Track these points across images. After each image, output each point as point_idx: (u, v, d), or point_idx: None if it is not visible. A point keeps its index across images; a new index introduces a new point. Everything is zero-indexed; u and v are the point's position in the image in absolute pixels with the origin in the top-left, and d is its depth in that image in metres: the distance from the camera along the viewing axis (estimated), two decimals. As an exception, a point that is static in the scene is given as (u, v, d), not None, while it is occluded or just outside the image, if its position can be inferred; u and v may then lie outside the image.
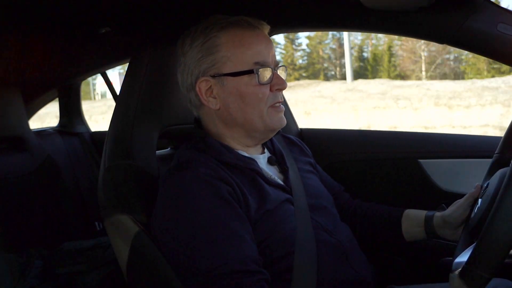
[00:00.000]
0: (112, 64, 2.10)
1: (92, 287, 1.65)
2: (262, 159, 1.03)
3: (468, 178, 1.31)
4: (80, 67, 2.15)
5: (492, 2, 0.97)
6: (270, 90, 0.96)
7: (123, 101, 1.10)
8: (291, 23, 1.35)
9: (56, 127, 2.53)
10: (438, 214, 1.07)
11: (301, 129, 1.73)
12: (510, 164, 0.74)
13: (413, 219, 1.11)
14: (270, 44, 0.98)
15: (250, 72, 0.93)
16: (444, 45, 1.09)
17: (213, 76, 0.95)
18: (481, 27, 0.98)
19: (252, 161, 0.98)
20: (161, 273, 0.92)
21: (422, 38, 1.13)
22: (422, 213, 1.11)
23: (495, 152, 0.96)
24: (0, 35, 1.50)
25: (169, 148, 1.33)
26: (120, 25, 1.38)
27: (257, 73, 0.93)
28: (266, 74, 0.95)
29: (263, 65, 0.94)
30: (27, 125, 2.00)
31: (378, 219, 1.16)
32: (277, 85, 0.97)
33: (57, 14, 1.26)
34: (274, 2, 1.20)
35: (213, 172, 0.89)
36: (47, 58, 1.94)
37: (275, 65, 0.98)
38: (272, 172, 1.02)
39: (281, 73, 1.00)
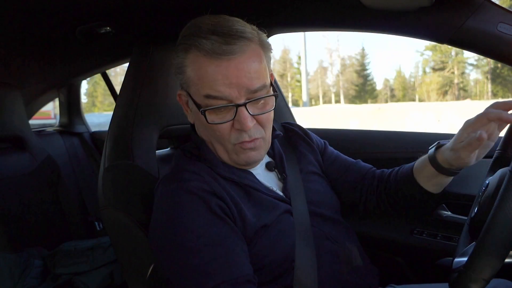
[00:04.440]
0: (112, 64, 2.09)
1: (92, 287, 1.65)
2: (259, 169, 0.99)
3: (468, 178, 1.31)
4: (80, 67, 2.15)
5: (492, 2, 0.97)
6: (233, 126, 0.85)
7: (123, 101, 1.10)
8: (290, 23, 1.35)
9: (56, 127, 2.53)
10: (442, 150, 0.95)
11: (301, 129, 1.73)
12: (510, 165, 0.74)
13: (422, 172, 0.99)
14: (237, 75, 0.81)
15: (200, 109, 0.85)
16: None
17: (187, 93, 0.89)
18: (481, 27, 0.98)
19: (246, 174, 0.93)
20: (160, 272, 0.92)
21: (422, 38, 1.13)
22: (424, 162, 0.98)
23: (497, 149, 0.96)
24: (0, 35, 1.50)
25: (169, 148, 1.33)
26: (121, 25, 1.38)
27: (204, 115, 0.84)
28: (221, 111, 0.84)
29: (216, 98, 0.82)
30: (27, 125, 2.00)
31: (399, 181, 1.05)
32: (237, 124, 0.84)
33: (57, 14, 1.26)
34: (274, 1, 1.19)
35: (206, 186, 0.85)
36: (47, 58, 1.94)
37: (249, 96, 0.83)
38: (270, 180, 0.98)
39: (257, 105, 0.86)
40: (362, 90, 42.67)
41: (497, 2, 0.99)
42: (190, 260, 0.79)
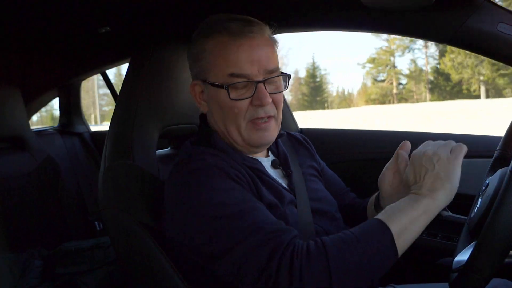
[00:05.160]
0: (112, 64, 2.10)
1: (92, 287, 1.65)
2: (266, 162, 1.03)
3: (468, 177, 1.30)
4: (80, 67, 2.15)
5: (492, 2, 0.97)
6: (251, 103, 0.93)
7: (123, 101, 1.10)
8: (291, 23, 1.35)
9: (56, 127, 2.53)
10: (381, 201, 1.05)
11: (301, 129, 1.73)
12: (510, 165, 0.74)
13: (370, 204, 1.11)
14: (257, 53, 0.91)
15: (223, 86, 0.91)
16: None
17: (203, 81, 0.96)
18: (481, 27, 0.98)
19: (256, 161, 0.98)
20: (160, 271, 0.92)
21: (422, 38, 1.13)
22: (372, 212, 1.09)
23: (497, 149, 0.96)
24: (1, 36, 1.50)
25: (169, 148, 1.33)
26: (120, 25, 1.38)
27: (227, 89, 0.91)
28: (241, 89, 0.92)
29: (240, 76, 0.90)
30: (27, 125, 2.00)
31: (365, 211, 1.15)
32: (257, 100, 0.92)
33: (57, 14, 1.26)
34: (275, 2, 1.20)
35: (223, 162, 0.90)
36: (47, 58, 1.94)
37: (267, 74, 0.93)
38: (276, 176, 1.02)
39: (271, 85, 0.95)
40: (313, 101, 45.33)
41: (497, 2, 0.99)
42: (228, 216, 0.81)
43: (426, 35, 1.11)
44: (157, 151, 1.13)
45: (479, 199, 0.90)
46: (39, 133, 2.29)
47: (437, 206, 0.81)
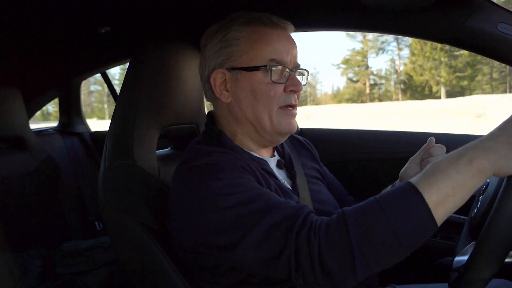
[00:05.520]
0: (112, 64, 2.10)
1: (92, 287, 1.65)
2: (272, 162, 1.03)
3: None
4: (80, 67, 2.15)
5: (492, 2, 0.97)
6: (284, 90, 0.95)
7: (123, 101, 1.09)
8: (292, 24, 1.35)
9: (56, 127, 2.53)
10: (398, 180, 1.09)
11: (301, 129, 1.74)
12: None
13: None
14: (291, 45, 0.97)
15: (263, 68, 0.93)
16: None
17: (229, 69, 0.95)
18: (481, 27, 0.98)
19: (264, 162, 0.98)
20: (160, 271, 0.92)
21: (422, 38, 1.13)
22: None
23: None
24: (1, 36, 1.51)
25: (169, 148, 1.33)
26: (120, 25, 1.38)
27: (270, 70, 0.93)
28: (281, 73, 0.94)
29: (279, 63, 0.94)
30: (27, 125, 2.00)
31: None
32: (292, 86, 0.95)
33: (57, 14, 1.26)
34: (275, 3, 1.20)
35: (231, 157, 0.90)
36: (47, 58, 1.94)
37: (295, 67, 0.97)
38: (281, 176, 1.02)
39: (300, 76, 1.01)
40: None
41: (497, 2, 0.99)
42: (242, 202, 0.79)
43: (426, 35, 1.11)
44: (157, 151, 1.13)
45: (479, 199, 0.90)
46: (39, 133, 2.29)
47: (489, 163, 0.67)
